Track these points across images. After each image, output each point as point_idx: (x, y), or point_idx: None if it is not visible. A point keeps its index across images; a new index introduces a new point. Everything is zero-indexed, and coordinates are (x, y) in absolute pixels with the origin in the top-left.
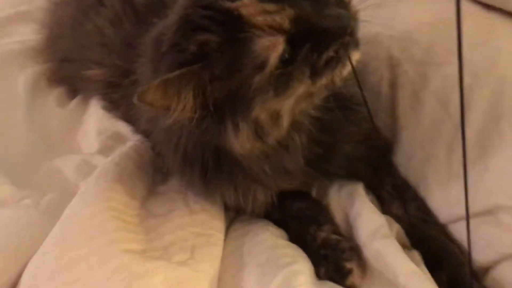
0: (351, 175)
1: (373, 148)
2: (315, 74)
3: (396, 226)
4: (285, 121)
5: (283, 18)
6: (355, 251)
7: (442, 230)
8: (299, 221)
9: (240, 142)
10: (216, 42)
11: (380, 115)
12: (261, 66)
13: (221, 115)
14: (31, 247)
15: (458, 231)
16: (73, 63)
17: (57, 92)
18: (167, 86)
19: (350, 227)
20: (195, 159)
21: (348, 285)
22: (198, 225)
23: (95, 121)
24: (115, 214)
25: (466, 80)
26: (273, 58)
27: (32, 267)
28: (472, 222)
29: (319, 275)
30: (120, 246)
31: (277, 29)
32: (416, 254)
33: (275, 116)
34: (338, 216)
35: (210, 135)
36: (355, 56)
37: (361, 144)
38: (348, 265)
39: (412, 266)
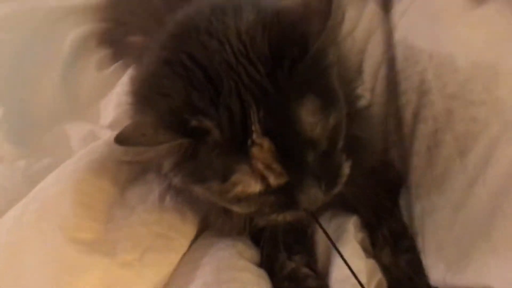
0: (348, 209)
1: (380, 184)
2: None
3: (379, 277)
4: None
5: (276, 181)
6: None
7: None
8: (273, 246)
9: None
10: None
11: (399, 146)
12: (224, 180)
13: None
14: (2, 212)
15: None
16: (124, 27)
17: (101, 55)
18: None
19: (330, 262)
20: None
21: None
22: (163, 226)
23: (120, 91)
24: (81, 198)
25: (494, 127)
26: (239, 189)
27: None
28: None
29: None
30: (69, 233)
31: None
32: None
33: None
34: (320, 247)
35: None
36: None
37: (366, 179)
38: None
39: None
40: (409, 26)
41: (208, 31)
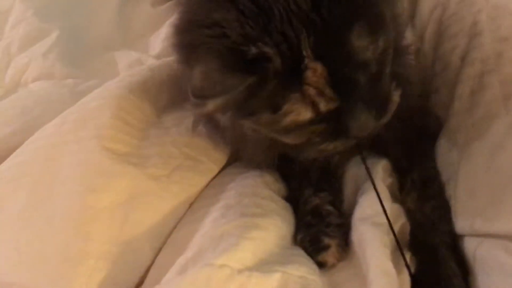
0: (380, 151)
1: (416, 128)
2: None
3: (402, 221)
4: None
5: (326, 107)
6: (342, 230)
7: (451, 243)
8: (300, 181)
9: None
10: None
11: (442, 91)
12: (275, 110)
13: None
14: (47, 122)
15: (471, 248)
16: None
17: None
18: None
19: (355, 203)
20: None
21: (320, 261)
22: (194, 148)
23: (169, 25)
24: (119, 113)
25: None
26: (290, 118)
27: (32, 137)
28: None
29: (295, 241)
30: (103, 142)
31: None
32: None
33: None
34: (349, 187)
35: None
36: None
37: (402, 121)
38: (327, 240)
39: (387, 266)
40: None
41: None
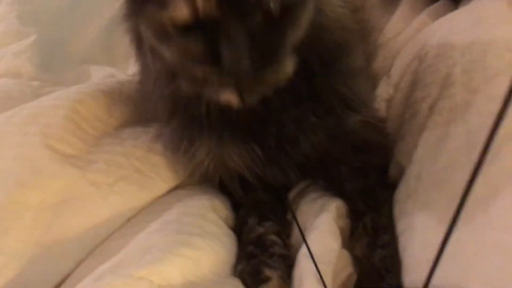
0: (337, 192)
1: (374, 168)
2: None
3: (350, 271)
4: None
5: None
6: (286, 262)
7: None
8: (246, 210)
9: None
10: None
11: (407, 138)
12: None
13: None
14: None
15: None
16: None
17: None
18: None
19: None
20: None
21: None
22: (145, 163)
23: None
24: (73, 116)
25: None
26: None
27: None
28: None
29: (235, 272)
30: (48, 141)
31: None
32: None
33: None
34: (301, 222)
35: None
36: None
37: (359, 152)
38: (268, 272)
39: None
40: (450, 28)
41: None
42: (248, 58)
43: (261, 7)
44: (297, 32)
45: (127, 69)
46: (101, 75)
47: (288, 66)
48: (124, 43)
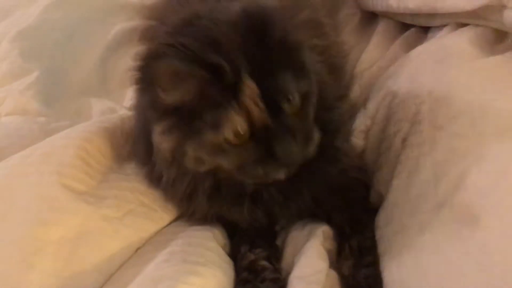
0: (323, 218)
1: (357, 199)
2: None
3: None
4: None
5: (259, 115)
6: (278, 285)
7: None
8: (239, 239)
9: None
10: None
11: (384, 169)
12: (216, 126)
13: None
14: (13, 154)
15: None
16: (165, 26)
17: (139, 48)
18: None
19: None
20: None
21: None
22: (149, 197)
23: None
24: (83, 154)
25: (470, 159)
26: (228, 130)
27: None
28: None
29: None
30: (62, 179)
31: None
32: None
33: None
34: (289, 249)
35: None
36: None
37: (343, 190)
38: None
39: None
40: (418, 65)
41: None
42: (296, 145)
43: (288, 101)
44: (313, 109)
45: (123, 99)
46: (101, 108)
47: (317, 136)
48: (118, 72)
